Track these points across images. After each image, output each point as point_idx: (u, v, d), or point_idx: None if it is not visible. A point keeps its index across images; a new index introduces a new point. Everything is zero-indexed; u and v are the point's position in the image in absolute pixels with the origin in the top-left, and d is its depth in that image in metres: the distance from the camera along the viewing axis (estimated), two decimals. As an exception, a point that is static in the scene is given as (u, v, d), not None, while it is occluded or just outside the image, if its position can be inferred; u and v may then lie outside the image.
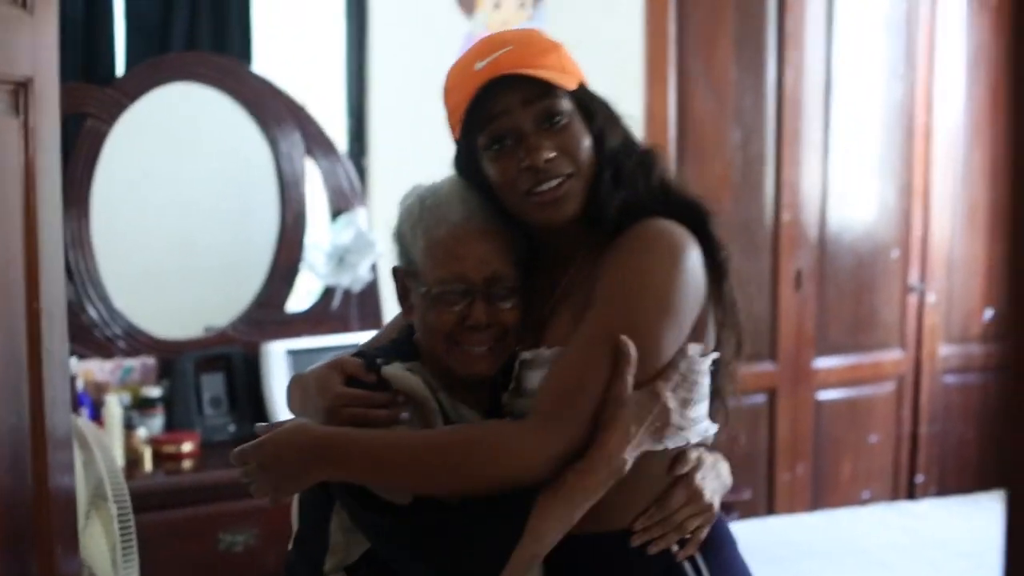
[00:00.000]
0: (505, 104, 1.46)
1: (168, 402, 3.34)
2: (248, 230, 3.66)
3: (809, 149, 4.45)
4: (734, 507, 3.61)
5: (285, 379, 1.86)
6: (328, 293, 3.67)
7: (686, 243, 1.45)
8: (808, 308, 4.52)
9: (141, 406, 3.27)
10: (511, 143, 1.47)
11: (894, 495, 4.74)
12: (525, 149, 1.45)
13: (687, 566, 1.48)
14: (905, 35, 4.59)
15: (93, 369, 3.28)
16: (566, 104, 1.48)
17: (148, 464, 3.08)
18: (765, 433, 4.46)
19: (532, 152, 1.44)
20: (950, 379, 4.81)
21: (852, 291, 4.61)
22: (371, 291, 3.67)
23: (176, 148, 3.56)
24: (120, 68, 3.49)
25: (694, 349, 1.46)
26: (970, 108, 4.73)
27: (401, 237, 1.55)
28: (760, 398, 4.42)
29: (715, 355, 1.51)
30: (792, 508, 4.53)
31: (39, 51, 1.48)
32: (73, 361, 3.07)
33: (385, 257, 3.45)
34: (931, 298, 4.72)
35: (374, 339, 1.69)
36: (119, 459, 2.89)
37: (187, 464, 3.15)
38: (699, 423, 1.50)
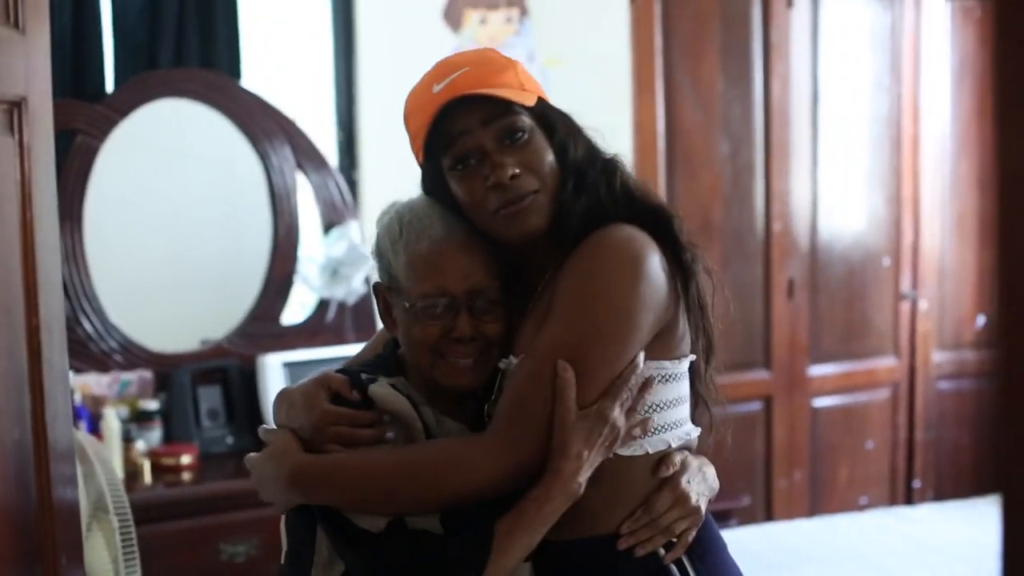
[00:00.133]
0: (465, 124, 1.47)
1: (166, 415, 3.36)
2: (241, 244, 3.68)
3: (798, 160, 4.47)
4: (733, 513, 3.63)
5: (281, 391, 1.88)
6: (323, 305, 3.70)
7: (643, 249, 1.44)
8: (801, 317, 4.54)
9: (139, 419, 3.29)
10: (475, 162, 1.47)
11: (891, 500, 4.74)
12: (490, 167, 1.46)
13: (675, 569, 1.48)
14: (890, 47, 4.61)
15: (90, 383, 3.30)
16: (526, 120, 1.48)
17: (147, 476, 3.09)
18: (762, 440, 4.47)
19: (496, 169, 1.45)
20: (944, 385, 4.82)
21: (844, 299, 4.63)
22: (365, 303, 3.69)
23: (168, 163, 3.58)
24: (109, 84, 3.50)
25: (643, 358, 1.45)
26: (956, 118, 4.75)
27: (381, 254, 1.55)
28: (756, 405, 4.43)
29: (691, 358, 1.52)
30: (790, 514, 4.54)
31: (32, 70, 1.49)
32: (70, 375, 3.08)
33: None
34: (923, 305, 4.74)
35: (360, 354, 1.71)
36: (118, 472, 2.91)
37: (186, 476, 3.17)
38: (680, 427, 1.52)
